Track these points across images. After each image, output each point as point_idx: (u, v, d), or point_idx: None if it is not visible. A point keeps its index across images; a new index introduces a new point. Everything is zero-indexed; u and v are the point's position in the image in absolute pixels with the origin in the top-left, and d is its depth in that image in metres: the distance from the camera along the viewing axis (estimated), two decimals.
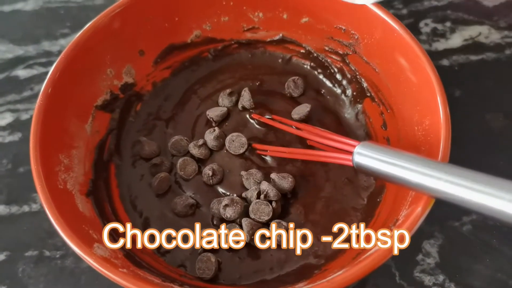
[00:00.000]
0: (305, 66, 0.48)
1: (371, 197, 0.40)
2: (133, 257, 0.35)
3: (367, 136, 0.44)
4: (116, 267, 0.29)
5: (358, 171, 0.35)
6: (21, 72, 0.54)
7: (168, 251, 0.38)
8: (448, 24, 0.54)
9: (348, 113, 0.45)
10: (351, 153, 0.34)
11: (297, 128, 0.42)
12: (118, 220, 0.39)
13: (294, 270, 0.37)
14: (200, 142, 0.42)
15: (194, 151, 0.42)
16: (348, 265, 0.30)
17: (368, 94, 0.44)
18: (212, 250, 0.38)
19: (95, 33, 0.39)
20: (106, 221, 0.37)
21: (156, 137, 0.44)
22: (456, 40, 0.53)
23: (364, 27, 0.41)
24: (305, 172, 0.41)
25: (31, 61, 0.55)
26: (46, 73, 0.52)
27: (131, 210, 0.40)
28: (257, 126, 0.44)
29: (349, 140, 0.36)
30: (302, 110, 0.44)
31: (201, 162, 0.42)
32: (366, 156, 0.33)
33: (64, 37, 0.56)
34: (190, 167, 0.42)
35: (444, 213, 0.42)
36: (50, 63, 0.54)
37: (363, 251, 0.32)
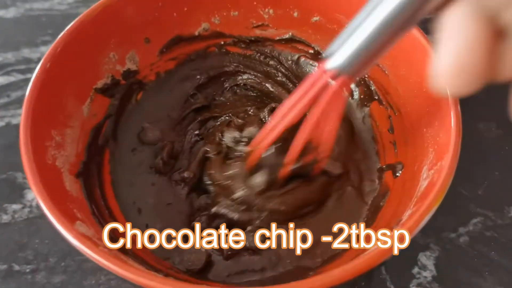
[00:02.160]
0: (314, 67, 0.47)
1: (374, 201, 0.38)
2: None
3: (373, 140, 0.42)
4: (96, 245, 0.27)
5: (345, 78, 0.28)
6: None
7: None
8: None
9: (355, 117, 0.44)
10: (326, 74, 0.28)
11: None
12: (107, 206, 0.37)
13: (287, 271, 0.35)
14: None
15: None
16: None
17: (376, 97, 0.42)
18: None
19: (102, 13, 0.38)
20: (94, 204, 0.35)
21: (160, 125, 0.43)
22: None
23: None
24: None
25: (9, 68, 0.52)
26: (25, 80, 0.51)
27: (123, 197, 0.39)
28: None
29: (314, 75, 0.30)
30: None
31: None
32: (335, 54, 0.27)
33: (45, 44, 0.54)
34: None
35: (440, 224, 0.41)
36: (29, 70, 0.52)
37: (362, 252, 0.30)
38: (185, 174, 0.39)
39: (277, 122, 0.34)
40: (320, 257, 0.35)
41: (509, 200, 0.42)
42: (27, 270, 0.39)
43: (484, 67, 0.18)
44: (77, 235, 0.27)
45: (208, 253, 0.36)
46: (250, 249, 0.36)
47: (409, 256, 0.39)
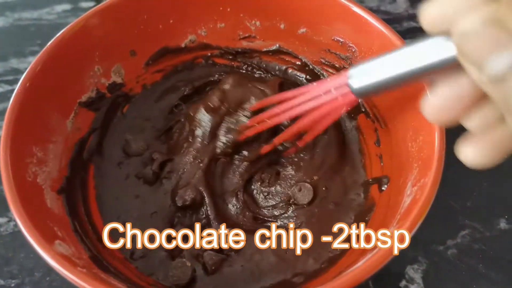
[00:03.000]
0: (301, 78, 0.47)
1: (358, 216, 0.38)
2: (99, 261, 0.33)
3: (359, 152, 0.42)
4: (74, 265, 0.27)
5: (360, 97, 0.30)
6: None
7: (142, 257, 0.36)
8: None
9: (342, 130, 0.43)
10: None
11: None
12: (90, 221, 0.37)
13: (271, 285, 0.34)
14: None
15: None
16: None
17: (363, 110, 0.42)
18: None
19: (85, 27, 0.38)
20: (76, 220, 0.35)
21: (146, 137, 0.43)
22: None
23: (362, 40, 0.40)
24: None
25: None
26: (12, 91, 0.48)
27: (108, 212, 0.38)
28: None
29: (334, 78, 0.32)
30: None
31: None
32: (362, 75, 0.29)
33: (33, 55, 0.54)
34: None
35: (428, 236, 0.40)
36: (17, 81, 0.48)
37: (345, 269, 0.30)
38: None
39: (285, 111, 0.36)
40: (304, 274, 0.35)
41: (497, 212, 0.42)
42: (12, 285, 0.38)
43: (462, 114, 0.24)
44: (54, 256, 0.27)
45: (193, 268, 0.35)
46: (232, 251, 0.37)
47: (396, 269, 0.39)
